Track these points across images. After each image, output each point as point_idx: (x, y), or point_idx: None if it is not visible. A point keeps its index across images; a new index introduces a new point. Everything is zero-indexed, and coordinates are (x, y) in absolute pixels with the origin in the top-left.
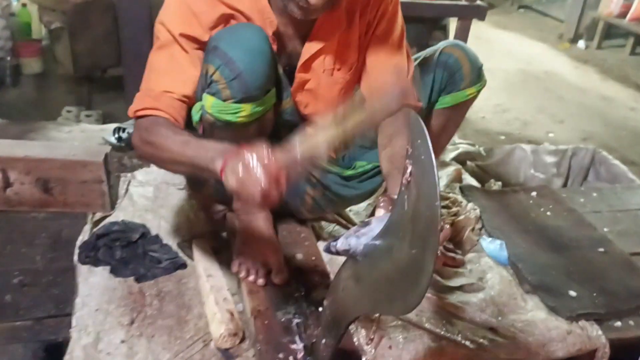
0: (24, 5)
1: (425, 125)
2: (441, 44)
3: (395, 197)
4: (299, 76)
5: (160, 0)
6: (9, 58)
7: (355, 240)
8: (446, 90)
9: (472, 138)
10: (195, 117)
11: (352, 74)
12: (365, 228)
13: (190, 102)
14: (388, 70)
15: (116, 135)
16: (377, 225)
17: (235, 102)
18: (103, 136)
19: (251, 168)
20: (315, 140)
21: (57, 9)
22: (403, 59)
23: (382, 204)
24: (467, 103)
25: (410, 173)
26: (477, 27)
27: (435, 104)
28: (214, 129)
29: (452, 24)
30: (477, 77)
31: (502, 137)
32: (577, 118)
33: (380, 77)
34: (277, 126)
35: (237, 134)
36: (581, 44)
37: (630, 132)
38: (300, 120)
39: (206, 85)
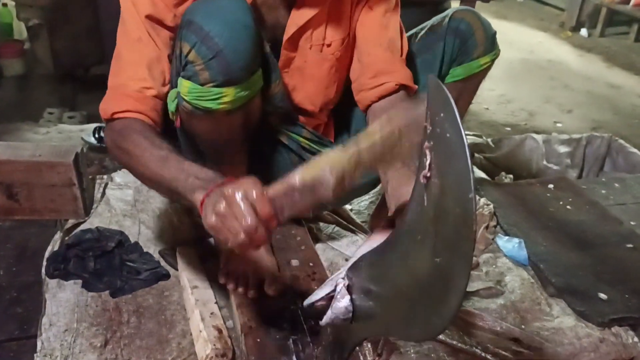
0: (4, 5)
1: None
2: (450, 10)
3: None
4: (283, 53)
5: None
6: None
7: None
8: (457, 60)
9: (476, 130)
10: (171, 106)
11: (343, 49)
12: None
13: (164, 95)
14: (382, 46)
15: (96, 135)
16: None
17: (216, 86)
18: (82, 136)
19: (236, 204)
20: (318, 164)
21: (34, 4)
22: (396, 35)
23: (379, 231)
24: (480, 75)
25: (430, 165)
26: None
27: (445, 77)
28: (192, 120)
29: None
30: (492, 44)
31: (508, 129)
32: (585, 107)
33: (372, 54)
34: (266, 115)
35: (220, 125)
36: (583, 32)
37: None
38: (293, 108)
39: (181, 68)
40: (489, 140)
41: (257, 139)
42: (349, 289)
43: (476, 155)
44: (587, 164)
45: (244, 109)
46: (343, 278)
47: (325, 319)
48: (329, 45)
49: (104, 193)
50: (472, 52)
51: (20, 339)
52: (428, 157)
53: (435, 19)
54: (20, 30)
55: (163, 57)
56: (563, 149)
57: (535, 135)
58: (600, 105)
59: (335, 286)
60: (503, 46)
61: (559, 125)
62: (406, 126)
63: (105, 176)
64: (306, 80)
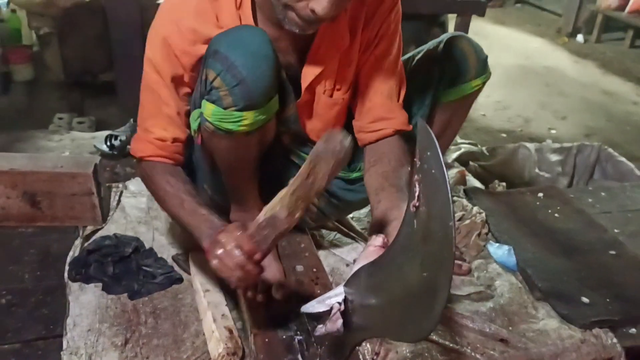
0: (13, 11)
1: (430, 127)
2: (444, 36)
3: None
4: (303, 97)
5: (150, 3)
6: None
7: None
8: (451, 83)
9: (473, 136)
10: (194, 125)
11: (350, 92)
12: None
13: (184, 140)
14: (382, 94)
15: (108, 143)
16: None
17: (237, 110)
18: (95, 144)
19: (226, 247)
20: (274, 203)
21: (45, 13)
22: (397, 81)
23: (371, 250)
24: (473, 96)
25: (418, 196)
26: (474, 23)
27: (440, 99)
28: (212, 138)
29: (451, 20)
30: (483, 68)
31: (504, 135)
32: (579, 114)
33: (373, 100)
34: (279, 134)
35: (238, 143)
36: (580, 38)
37: (634, 126)
38: (303, 129)
39: (205, 92)
40: (484, 148)
41: (270, 155)
42: (345, 303)
43: (471, 163)
44: (578, 172)
45: (261, 129)
46: (339, 303)
47: (318, 333)
48: (338, 89)
49: (119, 201)
50: (465, 75)
51: (47, 338)
52: (417, 188)
53: (430, 44)
54: (28, 35)
55: (182, 110)
56: (554, 158)
57: (528, 144)
58: (594, 112)
59: (331, 308)
60: (500, 52)
61: (553, 131)
62: (316, 158)
63: (120, 184)
64: (315, 117)
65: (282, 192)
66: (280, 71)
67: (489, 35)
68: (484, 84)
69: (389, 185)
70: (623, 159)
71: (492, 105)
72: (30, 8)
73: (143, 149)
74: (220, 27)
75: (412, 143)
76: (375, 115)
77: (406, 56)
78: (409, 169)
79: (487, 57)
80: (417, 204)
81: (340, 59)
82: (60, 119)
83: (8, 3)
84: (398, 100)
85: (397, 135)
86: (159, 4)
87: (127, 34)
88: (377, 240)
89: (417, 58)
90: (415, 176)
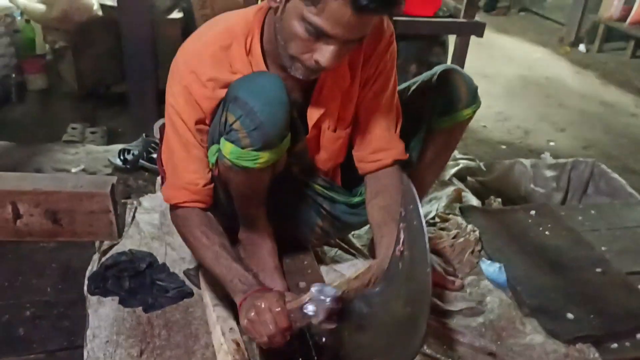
0: (27, 21)
1: (410, 180)
2: (437, 68)
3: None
4: (310, 134)
5: (161, 18)
6: (13, 75)
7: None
8: (444, 112)
9: (473, 147)
10: (212, 159)
11: (352, 126)
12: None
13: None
14: (381, 126)
15: (121, 157)
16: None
17: (254, 150)
18: (109, 158)
19: (262, 314)
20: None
21: (61, 28)
22: (394, 114)
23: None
24: (464, 124)
25: (403, 241)
26: None
27: (434, 126)
28: (229, 172)
29: (451, 39)
30: (473, 98)
31: (504, 147)
32: (578, 126)
33: (373, 132)
34: (289, 164)
35: (252, 177)
36: (582, 47)
37: (632, 139)
38: (311, 160)
39: (224, 132)
40: (482, 164)
41: (280, 184)
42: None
43: (469, 178)
44: (572, 188)
45: (273, 165)
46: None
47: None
48: (341, 124)
49: (134, 216)
50: (457, 105)
51: (69, 349)
52: (402, 235)
53: (425, 75)
54: (42, 44)
55: (206, 152)
56: (549, 173)
57: (524, 160)
58: (592, 124)
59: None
60: (503, 62)
61: (552, 143)
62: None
63: (135, 201)
64: (322, 150)
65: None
66: (292, 111)
67: (493, 44)
68: (474, 112)
69: (390, 219)
70: (616, 175)
71: (493, 116)
72: (46, 23)
73: (177, 195)
74: (234, 73)
75: (408, 168)
76: (374, 147)
77: (402, 86)
78: None
79: (477, 87)
80: (402, 249)
81: (342, 97)
82: (73, 128)
83: (22, 13)
84: (395, 132)
85: (395, 165)
86: (170, 19)
87: (139, 48)
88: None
89: (412, 88)
90: (401, 224)
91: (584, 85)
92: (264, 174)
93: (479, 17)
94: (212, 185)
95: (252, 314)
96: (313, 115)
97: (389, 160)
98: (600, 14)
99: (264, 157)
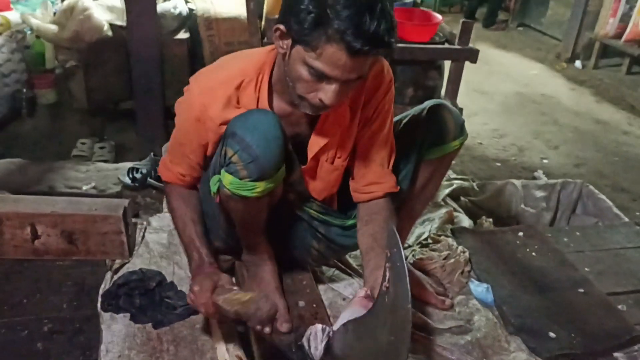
0: (37, 37)
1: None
2: (427, 103)
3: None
4: (309, 165)
5: (169, 39)
6: (24, 90)
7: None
8: (433, 143)
9: (469, 164)
10: (213, 188)
11: (349, 159)
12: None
13: (199, 177)
14: (376, 162)
15: (130, 176)
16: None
17: (251, 181)
18: (118, 176)
19: (200, 296)
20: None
21: (72, 47)
22: (388, 151)
23: (357, 300)
24: (452, 155)
25: (388, 279)
26: (477, 47)
27: (424, 157)
28: (229, 200)
29: (447, 63)
30: (460, 131)
31: (498, 164)
32: (571, 143)
33: (368, 167)
34: (285, 192)
35: (251, 205)
36: (578, 63)
37: (623, 157)
38: (306, 189)
39: (224, 164)
40: (475, 184)
41: (277, 209)
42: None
43: (462, 198)
44: (561, 208)
45: (270, 193)
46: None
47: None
48: (339, 157)
49: (143, 236)
50: (445, 137)
51: None
52: (387, 273)
53: (415, 109)
54: (51, 59)
55: (200, 162)
56: (539, 194)
57: (515, 181)
58: (585, 142)
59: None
60: (500, 79)
61: (545, 161)
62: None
63: (144, 222)
64: (318, 180)
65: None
66: (287, 144)
67: (491, 60)
68: (461, 144)
69: (377, 246)
70: (603, 196)
71: (489, 133)
72: (58, 42)
73: (167, 175)
74: (239, 108)
75: (400, 196)
76: (368, 180)
77: (395, 119)
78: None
79: (464, 121)
80: (387, 285)
81: (342, 133)
82: (83, 143)
83: (32, 29)
84: (388, 167)
85: (386, 196)
86: (176, 39)
87: (146, 66)
88: (361, 292)
89: (404, 122)
90: (387, 263)
91: (579, 102)
92: (261, 202)
93: (477, 32)
94: (197, 178)
95: (195, 287)
96: (313, 147)
97: (380, 193)
98: (597, 31)
99: (260, 186)
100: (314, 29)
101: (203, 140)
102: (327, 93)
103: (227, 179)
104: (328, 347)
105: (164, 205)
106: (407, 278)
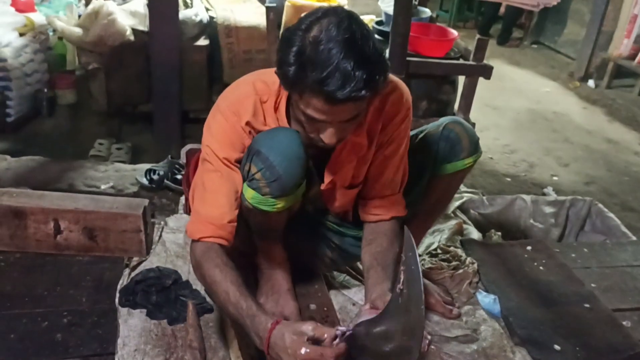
0: (60, 38)
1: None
2: (443, 120)
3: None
4: (325, 190)
5: (189, 46)
6: (45, 90)
7: None
8: (447, 159)
9: (479, 179)
10: None
11: (363, 183)
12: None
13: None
14: (385, 186)
15: (148, 177)
16: None
17: (273, 198)
18: (136, 177)
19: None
20: None
21: (95, 51)
22: (400, 175)
23: (363, 313)
24: (465, 171)
25: (403, 281)
26: (491, 63)
27: (437, 172)
28: (250, 212)
29: (461, 78)
30: (475, 149)
31: (508, 179)
32: (581, 162)
33: (378, 189)
34: (304, 204)
35: (271, 218)
36: (591, 82)
37: (633, 177)
38: (324, 204)
39: (247, 179)
40: (485, 197)
41: (295, 220)
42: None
43: (472, 211)
44: (570, 224)
45: (289, 207)
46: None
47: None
48: (354, 182)
49: (160, 235)
50: (459, 154)
51: (101, 355)
52: (402, 276)
53: (431, 126)
54: (72, 60)
55: (238, 189)
56: (549, 210)
57: (524, 196)
58: (595, 161)
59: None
60: (513, 95)
61: (555, 178)
62: None
63: (162, 221)
64: (333, 201)
65: None
66: (308, 163)
67: (504, 77)
68: (475, 161)
69: (377, 264)
70: (611, 214)
71: (500, 148)
72: (82, 45)
73: (201, 229)
74: (265, 125)
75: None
76: (377, 204)
77: (412, 133)
78: (397, 249)
79: (478, 139)
80: (402, 287)
81: (358, 160)
82: (100, 144)
83: (55, 31)
84: (399, 191)
85: (392, 220)
86: (196, 46)
87: (166, 71)
88: (365, 307)
89: (420, 137)
90: (401, 266)
91: (591, 121)
92: (280, 215)
93: (491, 49)
94: (235, 224)
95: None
96: (330, 174)
97: (387, 217)
98: (610, 51)
99: (281, 203)
100: (296, 80)
101: (237, 152)
102: (325, 135)
103: (249, 193)
104: None
105: (180, 206)
106: (422, 280)
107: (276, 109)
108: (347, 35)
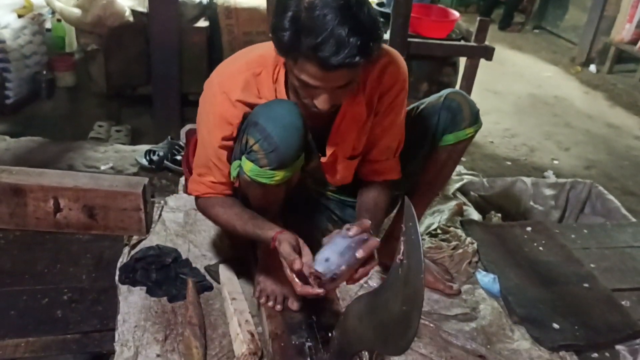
0: (58, 20)
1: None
2: (444, 91)
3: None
4: (326, 162)
5: (188, 27)
6: (44, 72)
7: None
8: (449, 130)
9: (479, 162)
10: (234, 172)
11: (364, 151)
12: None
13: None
14: (383, 152)
15: (147, 158)
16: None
17: (271, 169)
18: (135, 157)
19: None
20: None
21: (94, 32)
22: (396, 143)
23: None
24: (466, 142)
25: (403, 252)
26: None
27: (439, 142)
28: (249, 186)
29: (462, 60)
30: (475, 119)
31: (509, 163)
32: (582, 146)
33: (374, 154)
34: (303, 177)
35: (268, 191)
36: (592, 68)
37: (633, 162)
38: (324, 176)
39: (245, 151)
40: (485, 180)
41: (295, 193)
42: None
43: (472, 193)
44: (570, 207)
45: (288, 180)
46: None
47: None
48: (354, 153)
49: (160, 214)
50: (460, 124)
51: (102, 330)
52: (402, 246)
53: (432, 97)
54: (71, 43)
55: (227, 170)
56: (549, 192)
57: (525, 179)
58: (596, 145)
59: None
60: (513, 79)
61: (555, 162)
62: None
63: (161, 200)
64: (334, 173)
65: None
66: (307, 135)
67: (505, 61)
68: (475, 132)
69: (363, 210)
70: (612, 197)
71: (500, 132)
72: (80, 26)
73: (197, 188)
74: (260, 98)
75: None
76: (372, 169)
77: (412, 105)
78: (384, 206)
79: (479, 110)
80: (402, 258)
81: (358, 130)
82: (100, 126)
83: (53, 12)
84: (394, 155)
85: (385, 182)
86: (196, 27)
87: (165, 53)
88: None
89: (421, 107)
90: (402, 237)
91: (592, 105)
92: (279, 188)
93: (492, 34)
94: (228, 184)
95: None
96: (331, 146)
97: (380, 180)
98: (612, 36)
99: (279, 175)
100: (291, 46)
101: (227, 131)
102: (319, 100)
103: (247, 166)
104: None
105: (179, 187)
106: (422, 250)
107: (275, 80)
108: (342, 2)
